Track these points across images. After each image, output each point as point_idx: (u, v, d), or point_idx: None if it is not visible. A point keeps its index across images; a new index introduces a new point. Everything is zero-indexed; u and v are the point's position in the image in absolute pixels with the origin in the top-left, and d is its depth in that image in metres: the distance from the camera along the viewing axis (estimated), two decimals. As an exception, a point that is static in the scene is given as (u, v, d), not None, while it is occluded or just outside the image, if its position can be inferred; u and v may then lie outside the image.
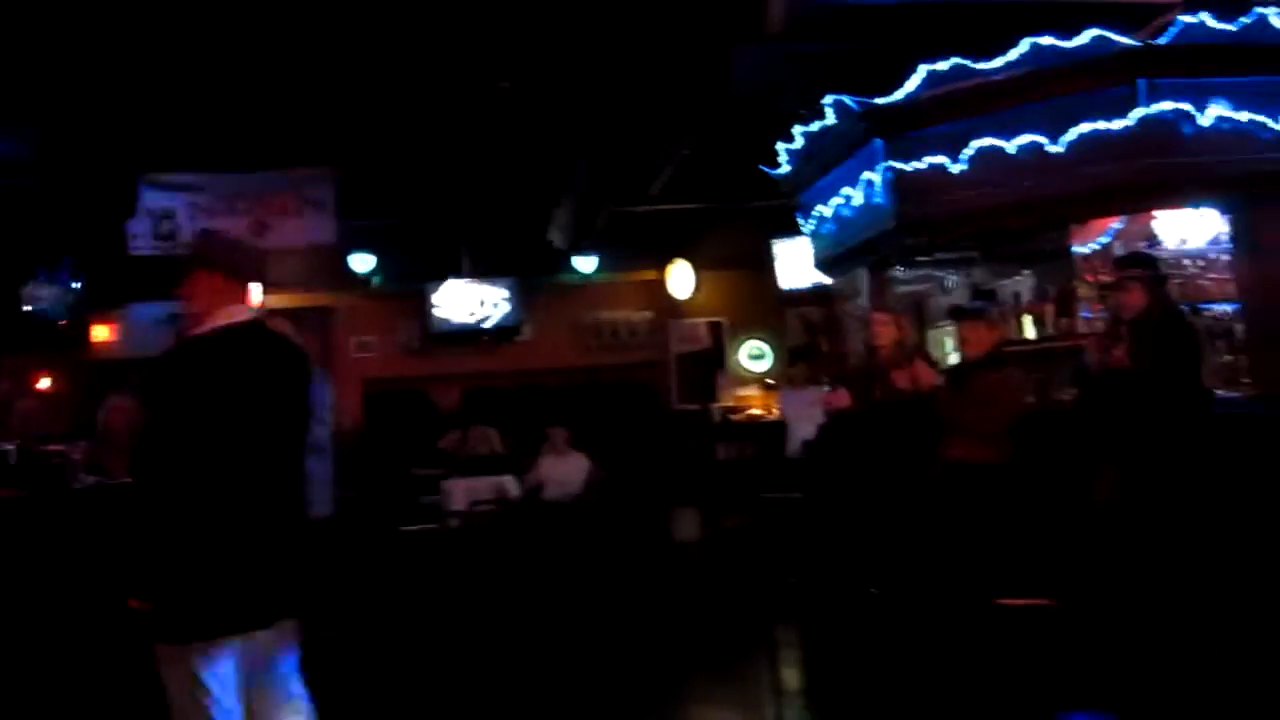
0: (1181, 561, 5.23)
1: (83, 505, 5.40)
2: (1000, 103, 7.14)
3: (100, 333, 11.60)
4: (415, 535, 8.01)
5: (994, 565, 5.87)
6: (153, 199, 9.84)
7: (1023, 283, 8.72)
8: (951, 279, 8.79)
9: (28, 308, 10.73)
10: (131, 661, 3.96)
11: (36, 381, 11.59)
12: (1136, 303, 5.52)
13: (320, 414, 5.55)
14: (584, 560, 7.80)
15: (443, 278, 12.63)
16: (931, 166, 7.39)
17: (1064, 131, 6.92)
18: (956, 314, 6.56)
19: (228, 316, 3.80)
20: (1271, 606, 5.64)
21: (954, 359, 7.71)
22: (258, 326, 3.95)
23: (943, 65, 7.27)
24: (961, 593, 5.90)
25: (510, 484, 8.55)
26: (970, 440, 5.99)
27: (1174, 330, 5.49)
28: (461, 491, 8.02)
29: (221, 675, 3.54)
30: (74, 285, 10.98)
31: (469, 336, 12.70)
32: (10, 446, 6.18)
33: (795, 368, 10.53)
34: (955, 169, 7.32)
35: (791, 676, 6.92)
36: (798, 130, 8.67)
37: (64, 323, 11.12)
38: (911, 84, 7.40)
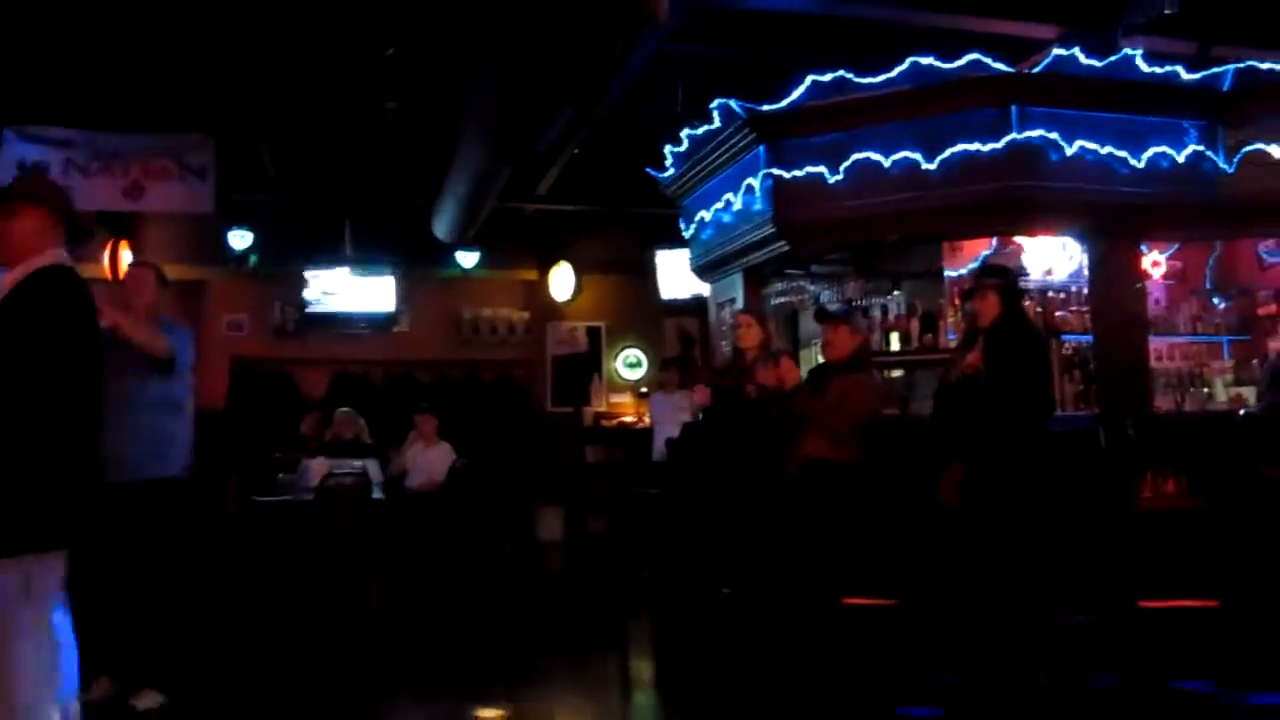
0: (1010, 565, 5.39)
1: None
2: (879, 117, 7.33)
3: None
4: (268, 506, 7.85)
5: (842, 564, 5.98)
6: (21, 150, 9.51)
7: (893, 301, 8.90)
8: (825, 293, 8.93)
9: None
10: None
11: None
12: (991, 310, 5.67)
13: (182, 372, 5.45)
14: (440, 547, 7.72)
15: (322, 261, 12.41)
16: (811, 175, 7.53)
17: (937, 150, 7.12)
18: (821, 316, 6.65)
19: (53, 258, 3.88)
20: (1099, 614, 5.90)
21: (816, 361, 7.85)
22: (73, 270, 4.02)
23: (827, 76, 7.46)
24: (809, 590, 5.99)
25: (373, 468, 8.43)
26: (824, 439, 6.09)
27: (1024, 338, 5.66)
28: (320, 469, 7.88)
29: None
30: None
31: (344, 323, 12.49)
32: None
33: (667, 372, 10.59)
34: (833, 179, 7.47)
35: (641, 667, 6.97)
36: (684, 134, 8.77)
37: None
38: (796, 92, 7.55)
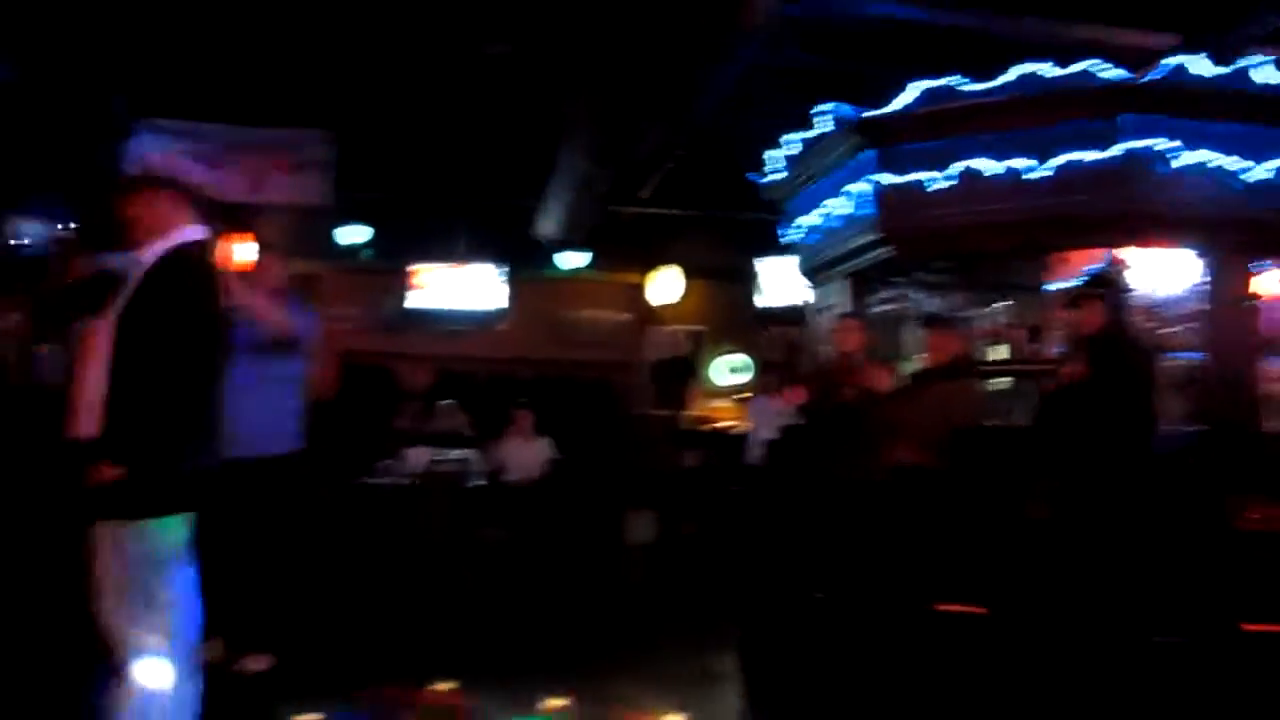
0: (1104, 580, 5.31)
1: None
2: (989, 124, 7.28)
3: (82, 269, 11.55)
4: (369, 488, 8.09)
5: (934, 570, 5.94)
6: (151, 142, 9.88)
7: (998, 313, 8.82)
8: (929, 302, 8.89)
9: (13, 242, 10.71)
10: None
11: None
12: (1094, 321, 5.63)
13: (305, 352, 5.68)
14: (533, 540, 7.83)
15: (429, 258, 12.66)
16: (919, 181, 7.51)
17: (1046, 159, 7.06)
18: (927, 321, 6.66)
19: (186, 234, 4.06)
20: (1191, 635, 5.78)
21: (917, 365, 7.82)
22: (206, 245, 4.19)
23: (937, 82, 7.43)
24: (901, 595, 5.97)
25: (472, 459, 8.58)
26: (916, 444, 6.07)
27: (1126, 350, 5.60)
28: (421, 457, 8.07)
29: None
30: (60, 226, 10.97)
31: (448, 319, 12.73)
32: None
33: (768, 377, 10.60)
34: (940, 186, 7.45)
35: (725, 665, 6.98)
36: (786, 139, 8.80)
37: (50, 261, 11.09)
38: (905, 98, 7.54)
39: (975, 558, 5.96)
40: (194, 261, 4.11)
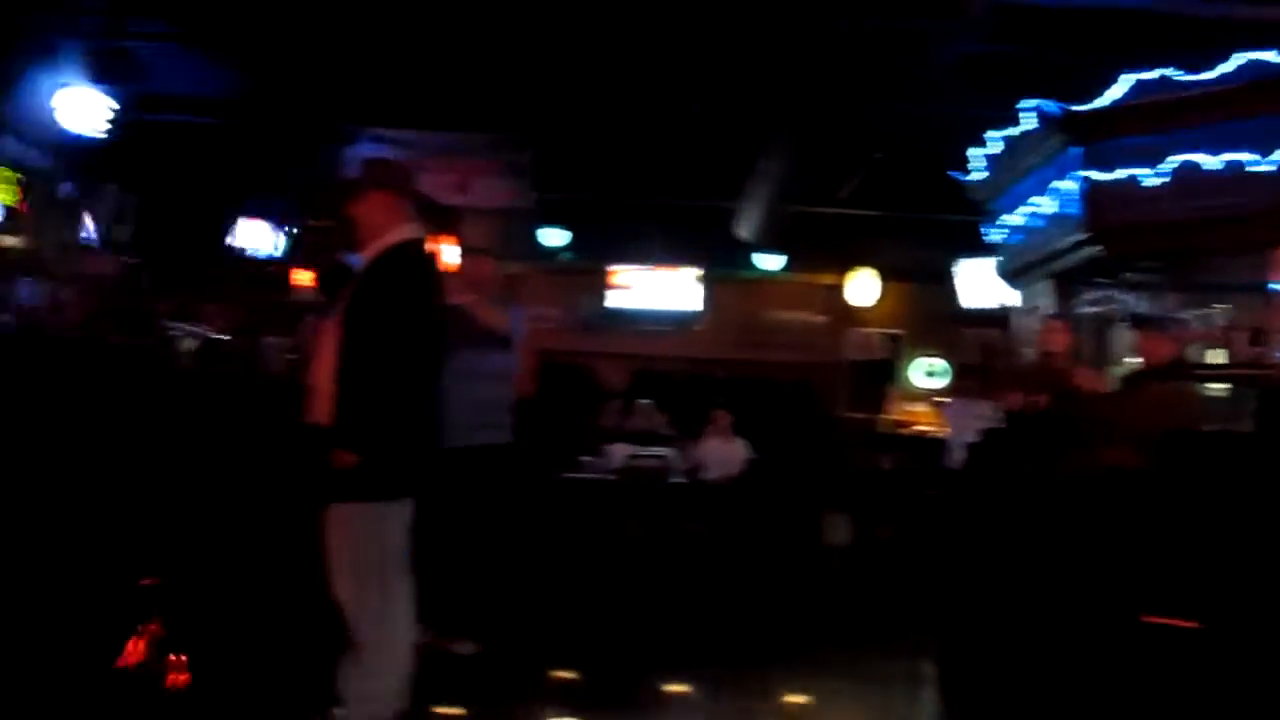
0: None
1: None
2: (1206, 117, 7.01)
3: (301, 277, 12.16)
4: (575, 481, 8.32)
5: (1143, 579, 5.74)
6: (366, 149, 10.38)
7: (1215, 315, 8.44)
8: (1138, 304, 8.58)
9: (236, 246, 11.35)
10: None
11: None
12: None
13: (515, 348, 5.89)
14: (732, 538, 7.89)
15: (626, 259, 12.88)
16: (1128, 178, 7.29)
17: (1271, 150, 6.75)
18: (1137, 322, 6.44)
19: (406, 232, 4.25)
20: None
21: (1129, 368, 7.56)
22: (424, 242, 4.44)
23: (1149, 74, 7.18)
24: (1107, 604, 5.78)
25: (671, 457, 8.70)
26: (1129, 448, 5.88)
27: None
28: (622, 453, 8.24)
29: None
30: (283, 229, 11.60)
31: (646, 319, 12.92)
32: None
33: (967, 380, 10.40)
34: (1153, 182, 7.20)
35: (923, 669, 6.90)
36: (992, 136, 8.63)
37: (271, 266, 11.73)
38: (1115, 92, 7.32)
39: (1189, 569, 5.73)
40: (412, 257, 4.33)
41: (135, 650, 4.45)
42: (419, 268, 4.36)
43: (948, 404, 10.90)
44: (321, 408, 4.13)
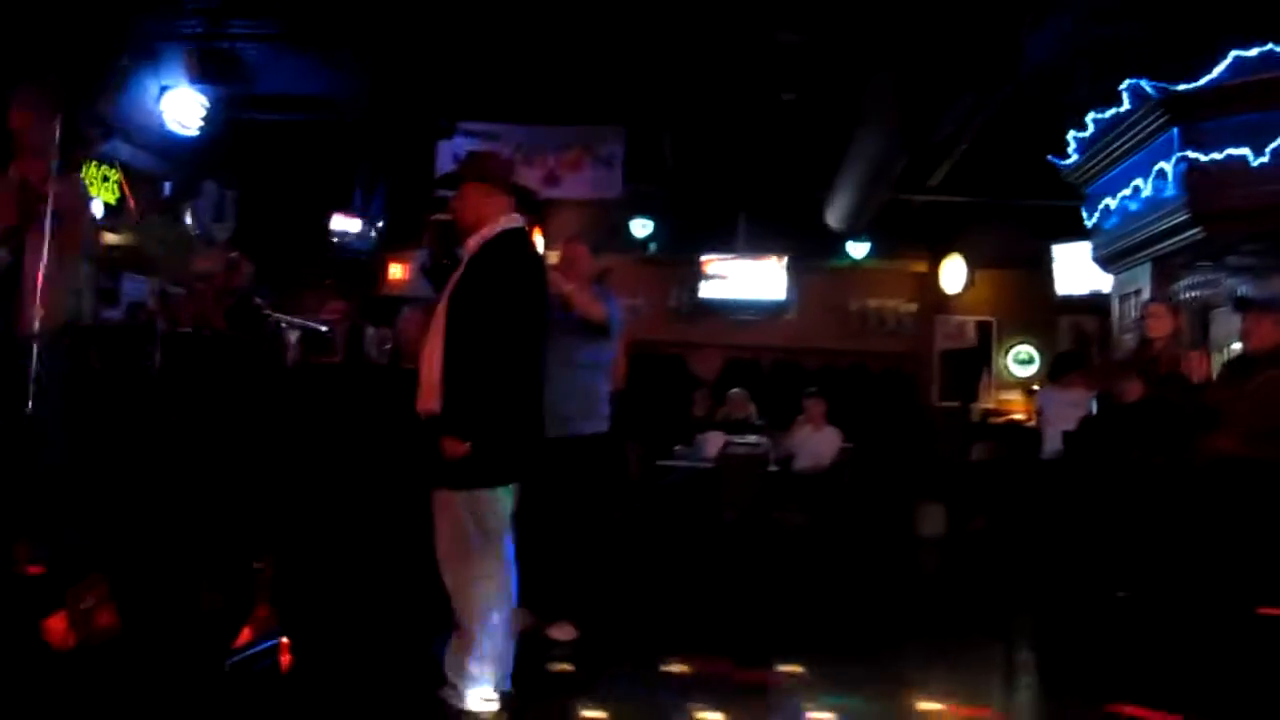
0: None
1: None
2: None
3: (395, 271, 12.36)
4: (669, 470, 8.38)
5: (1257, 571, 5.62)
6: (459, 143, 10.52)
7: (1321, 297, 8.23)
8: (1242, 287, 8.39)
9: (334, 239, 11.56)
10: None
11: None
12: None
13: (613, 337, 5.94)
14: (827, 527, 7.88)
15: (716, 249, 12.89)
16: (1231, 158, 7.14)
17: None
18: (1242, 304, 6.29)
19: (506, 223, 4.33)
20: None
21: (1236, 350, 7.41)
22: (526, 233, 4.52)
23: (1252, 51, 7.01)
24: (1218, 597, 5.67)
25: (764, 445, 8.71)
26: (1242, 436, 5.76)
27: None
28: (717, 442, 8.26)
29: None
30: (379, 224, 11.79)
31: (735, 309, 12.92)
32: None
33: (1060, 367, 10.23)
34: (1257, 162, 7.04)
35: (1023, 660, 6.83)
36: (1090, 118, 8.50)
37: (366, 257, 11.94)
38: (1216, 70, 7.16)
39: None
40: (515, 246, 4.40)
41: (247, 633, 4.58)
42: (522, 256, 4.43)
43: (1040, 392, 10.73)
44: (430, 396, 4.23)
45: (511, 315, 4.23)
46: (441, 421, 4.15)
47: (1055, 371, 10.77)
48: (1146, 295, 8.15)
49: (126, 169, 5.44)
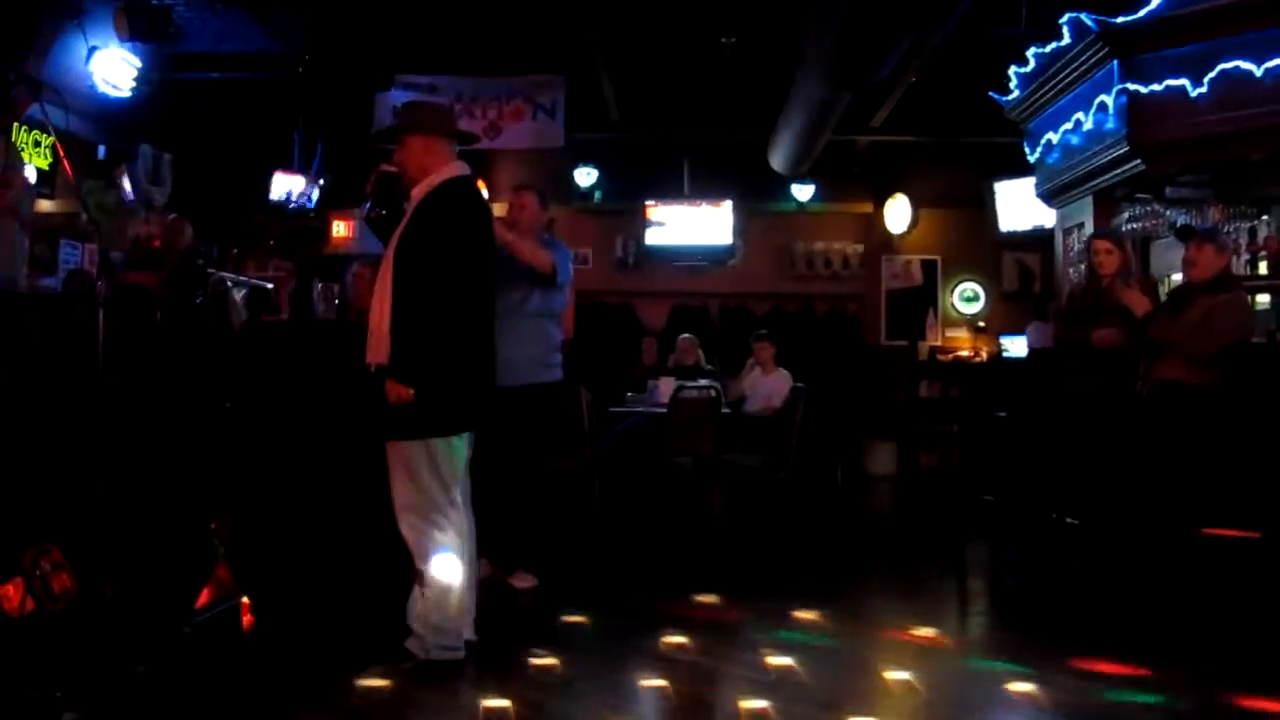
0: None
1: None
2: (1252, 22, 6.89)
3: (339, 228, 12.19)
4: (621, 416, 8.41)
5: (1200, 493, 5.75)
6: (396, 96, 10.39)
7: (1262, 224, 8.36)
8: (1181, 218, 8.50)
9: (275, 198, 11.38)
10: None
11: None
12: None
13: (563, 286, 5.91)
14: (776, 469, 7.93)
15: (661, 197, 12.84)
16: (1170, 90, 7.21)
17: (1317, 56, 6.65)
18: (1183, 234, 6.35)
19: (450, 171, 4.31)
20: None
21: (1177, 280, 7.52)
22: (471, 180, 4.48)
23: (1188, -18, 7.08)
24: (1164, 520, 5.80)
25: (716, 389, 8.72)
26: (1184, 362, 5.86)
27: None
28: (668, 387, 8.26)
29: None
30: (320, 181, 11.61)
31: (682, 256, 12.89)
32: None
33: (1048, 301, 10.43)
34: (1195, 93, 7.11)
35: (975, 587, 6.96)
36: (1030, 52, 8.53)
37: (310, 216, 11.76)
38: (1154, 2, 7.21)
39: (1248, 479, 5.73)
40: (459, 194, 4.37)
41: (206, 594, 4.56)
42: (466, 204, 4.39)
43: (1030, 327, 10.87)
44: (378, 348, 4.21)
45: (458, 263, 4.20)
46: (389, 370, 4.13)
47: (1040, 309, 11.00)
48: (1090, 229, 8.22)
49: (59, 133, 5.31)
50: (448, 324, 4.17)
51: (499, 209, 6.97)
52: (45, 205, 9.16)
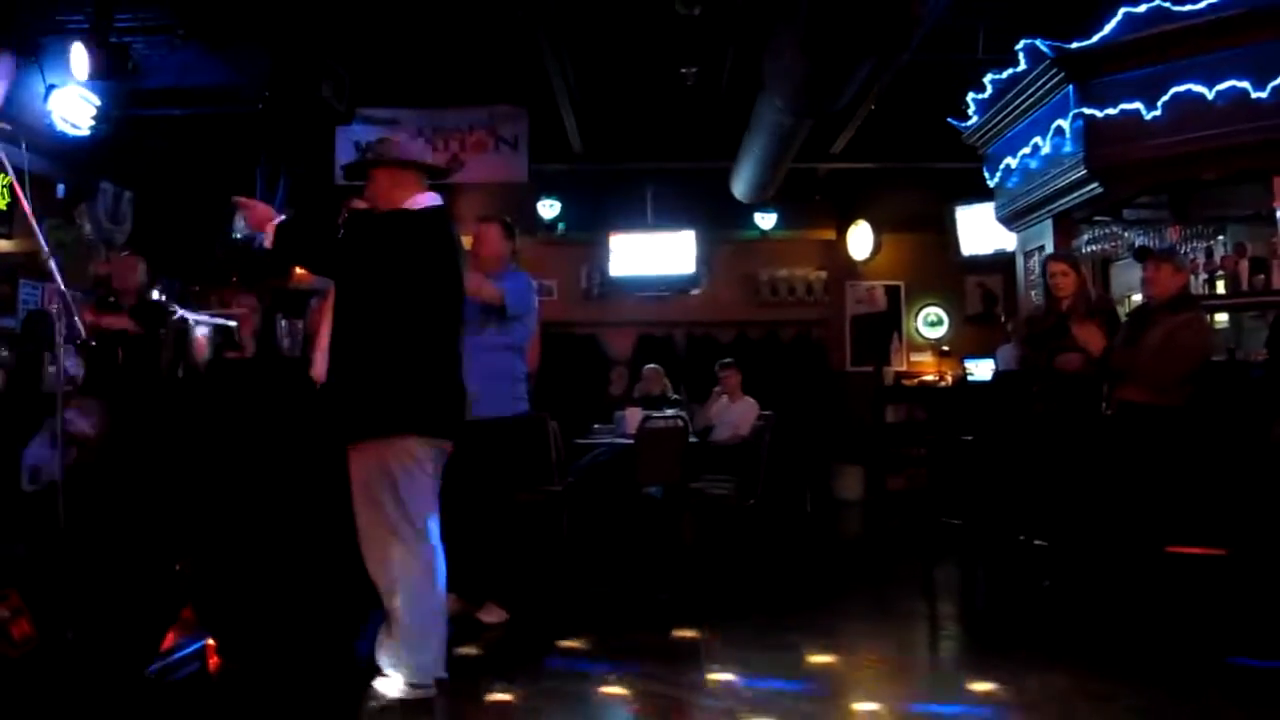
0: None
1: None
2: (1203, 46, 6.99)
3: (304, 263, 12.08)
4: (588, 447, 8.38)
5: (1165, 512, 5.78)
6: (358, 131, 10.37)
7: (1218, 244, 8.46)
8: (1140, 239, 8.60)
9: (237, 235, 11.30)
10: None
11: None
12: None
13: (523, 317, 5.89)
14: (748, 495, 7.93)
15: (624, 227, 12.86)
16: (1125, 113, 7.30)
17: (1269, 78, 6.74)
18: (1141, 254, 6.43)
19: (417, 203, 4.34)
20: None
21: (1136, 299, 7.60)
22: (440, 211, 4.51)
23: (1141, 7, 7.17)
24: (1131, 539, 5.83)
25: (683, 419, 8.72)
26: (1146, 383, 5.92)
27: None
28: (635, 417, 8.24)
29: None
30: (283, 215, 11.53)
31: (646, 285, 12.90)
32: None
33: (1015, 321, 10.46)
34: (1150, 115, 7.20)
35: (944, 609, 6.96)
36: (988, 79, 8.62)
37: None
38: (1108, 27, 7.31)
39: (1213, 497, 5.77)
40: (427, 221, 4.37)
41: (170, 637, 4.50)
42: (434, 229, 4.38)
43: (1001, 349, 10.93)
44: (321, 362, 4.26)
45: (395, 278, 4.24)
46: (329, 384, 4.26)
47: (1010, 324, 11.05)
48: (1050, 251, 8.29)
49: (18, 171, 5.25)
50: (382, 329, 4.23)
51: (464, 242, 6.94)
52: (3, 245, 9.07)
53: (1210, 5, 6.90)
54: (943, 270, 12.98)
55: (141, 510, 4.51)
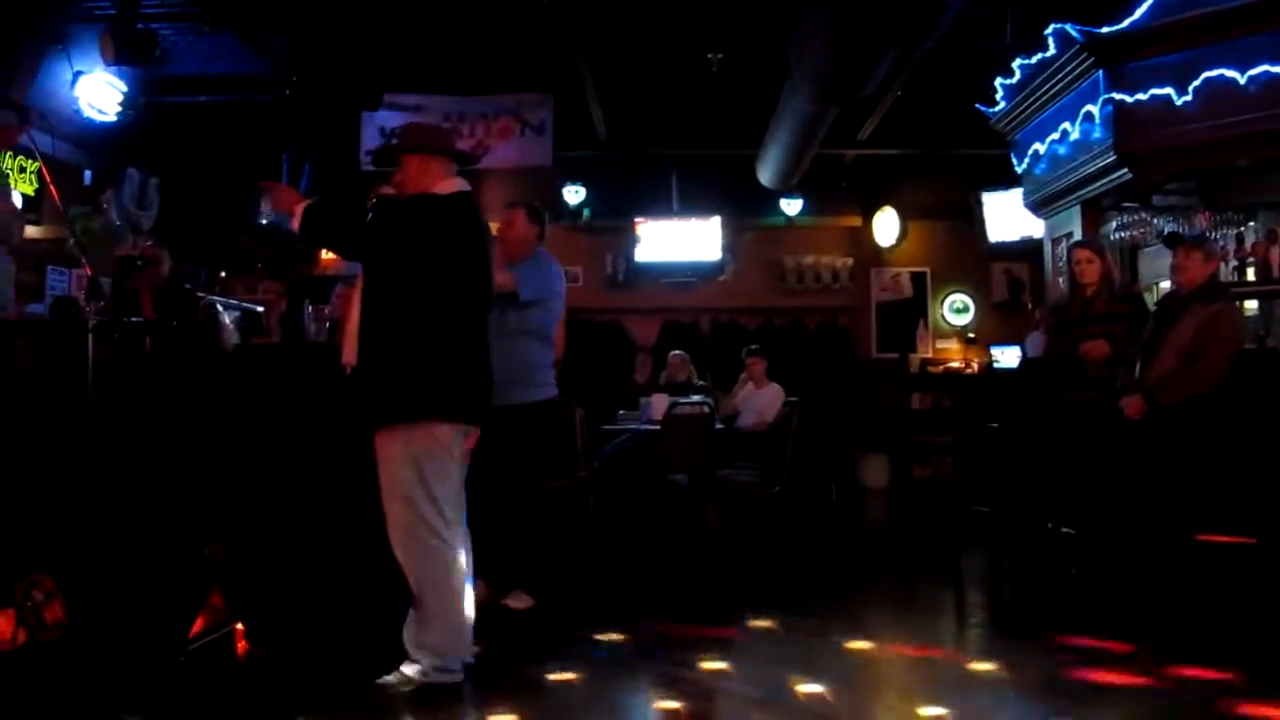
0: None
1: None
2: (1235, 31, 6.93)
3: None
4: (615, 434, 8.38)
5: (1194, 500, 5.75)
6: (383, 117, 10.39)
7: (1248, 231, 8.38)
8: (1168, 226, 8.52)
9: (262, 221, 11.33)
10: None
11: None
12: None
13: (544, 302, 5.87)
14: (771, 483, 7.91)
15: (650, 214, 12.85)
16: (1155, 98, 7.24)
17: (1298, 63, 6.69)
18: (1171, 240, 6.37)
19: (446, 189, 4.32)
20: None
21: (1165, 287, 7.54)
22: (467, 196, 4.49)
23: (1170, -8, 7.12)
24: (1159, 527, 5.79)
25: (709, 405, 8.70)
26: (1186, 384, 5.86)
27: None
28: (662, 403, 8.23)
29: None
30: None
31: (672, 272, 12.90)
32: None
33: (1043, 310, 10.41)
34: (1181, 101, 7.14)
35: (972, 598, 6.93)
36: (1016, 64, 8.56)
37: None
38: (1138, 12, 7.24)
39: (1243, 486, 5.73)
40: (454, 206, 4.37)
41: (200, 622, 4.53)
42: (444, 215, 4.37)
43: (1030, 337, 10.88)
44: (350, 348, 4.28)
45: (424, 263, 4.23)
46: (360, 368, 4.24)
47: (1039, 313, 11.00)
48: (1078, 237, 8.24)
49: (45, 158, 5.29)
50: (411, 313, 4.22)
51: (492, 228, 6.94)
52: (32, 231, 9.13)
53: (1241, -11, 6.83)
54: (969, 257, 12.91)
55: (172, 495, 4.53)
